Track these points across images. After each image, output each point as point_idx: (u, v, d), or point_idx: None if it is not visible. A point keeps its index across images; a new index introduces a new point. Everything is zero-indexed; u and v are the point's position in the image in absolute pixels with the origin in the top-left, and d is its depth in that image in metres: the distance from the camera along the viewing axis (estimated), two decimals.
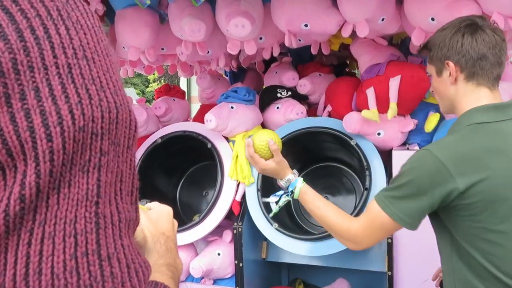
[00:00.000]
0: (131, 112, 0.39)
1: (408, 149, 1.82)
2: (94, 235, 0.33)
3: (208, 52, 1.98)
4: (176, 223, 0.68)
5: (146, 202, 0.77)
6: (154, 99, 2.73)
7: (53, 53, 0.34)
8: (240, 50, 1.84)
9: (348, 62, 2.93)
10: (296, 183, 1.27)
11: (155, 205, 0.68)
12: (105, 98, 0.36)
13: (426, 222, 1.66)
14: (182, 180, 2.33)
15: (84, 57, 0.36)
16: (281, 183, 1.30)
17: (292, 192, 1.27)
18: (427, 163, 1.00)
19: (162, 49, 2.09)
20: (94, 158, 0.35)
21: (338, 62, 2.72)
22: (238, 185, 1.95)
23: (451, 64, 1.04)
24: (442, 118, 1.76)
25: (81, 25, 0.37)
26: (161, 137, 2.12)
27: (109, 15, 2.08)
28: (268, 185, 1.97)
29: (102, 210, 0.34)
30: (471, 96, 1.04)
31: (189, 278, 2.01)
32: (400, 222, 1.04)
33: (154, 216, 0.64)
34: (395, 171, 1.70)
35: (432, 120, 1.74)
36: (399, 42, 2.21)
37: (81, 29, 0.37)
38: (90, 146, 0.34)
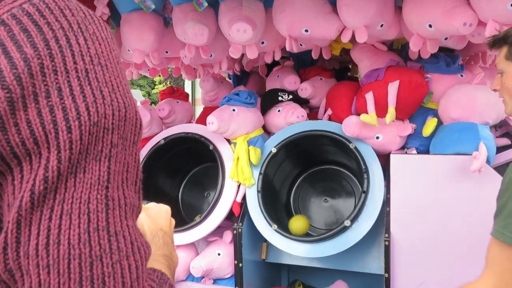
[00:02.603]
0: (137, 112, 0.45)
1: (406, 153, 1.84)
2: (104, 214, 0.39)
3: (211, 56, 2.02)
4: (173, 220, 0.74)
5: (146, 202, 0.82)
6: (159, 101, 2.77)
7: (73, 60, 0.40)
8: (242, 54, 1.88)
9: (350, 66, 2.95)
10: None
11: (154, 205, 0.74)
12: (115, 99, 0.42)
13: (422, 224, 1.69)
14: (185, 181, 2.37)
15: (99, 64, 0.42)
16: None
17: None
18: None
19: (166, 52, 2.13)
20: (106, 149, 0.40)
21: (340, 67, 2.74)
22: (238, 186, 1.98)
23: None
24: (440, 123, 1.78)
25: (97, 36, 0.43)
26: (164, 138, 2.16)
27: (114, 19, 2.12)
28: (268, 187, 2.00)
29: (111, 194, 0.40)
30: None
31: (190, 277, 2.04)
32: None
33: (153, 213, 0.71)
34: (393, 175, 1.74)
35: (430, 125, 1.76)
36: (399, 48, 2.23)
37: (97, 40, 0.43)
38: (102, 139, 0.40)
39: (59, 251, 0.36)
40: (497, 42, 1.06)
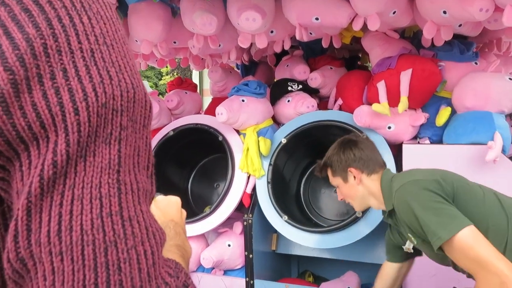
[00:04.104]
0: (146, 94, 0.43)
1: (419, 142, 1.81)
2: (117, 199, 0.37)
3: (219, 46, 1.99)
4: (184, 212, 0.73)
5: (158, 195, 0.81)
6: (167, 91, 2.76)
7: (78, 39, 0.38)
8: (251, 43, 1.85)
9: (360, 55, 2.91)
10: None
11: (162, 197, 0.73)
12: (123, 80, 0.40)
13: None
14: (194, 172, 2.36)
15: (105, 43, 0.40)
16: None
17: None
18: None
19: (174, 42, 2.11)
20: (115, 132, 0.39)
21: (349, 55, 2.70)
22: (248, 177, 1.97)
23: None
24: (453, 112, 1.75)
25: (101, 15, 0.41)
26: (173, 130, 2.15)
27: (122, 9, 2.10)
28: (278, 178, 1.99)
29: (123, 178, 0.38)
30: None
31: (200, 268, 2.04)
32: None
33: (163, 205, 0.69)
34: (406, 165, 1.71)
35: (444, 114, 1.73)
36: (411, 35, 2.19)
37: (101, 19, 0.41)
38: (111, 121, 0.38)
39: (71, 237, 0.35)
40: (322, 168, 1.45)
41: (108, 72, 0.39)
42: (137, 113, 0.41)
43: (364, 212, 1.72)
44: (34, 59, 0.36)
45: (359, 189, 1.36)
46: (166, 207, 0.68)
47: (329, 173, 1.43)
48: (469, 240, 1.03)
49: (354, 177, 1.35)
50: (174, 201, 0.71)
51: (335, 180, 1.42)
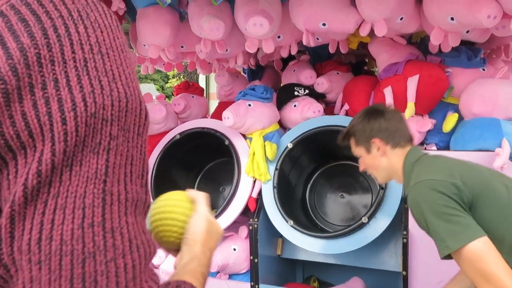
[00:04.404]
0: (142, 102, 0.43)
1: (425, 148, 1.81)
2: (100, 209, 0.37)
3: (226, 50, 2.01)
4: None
5: (215, 211, 0.77)
6: (173, 94, 2.77)
7: (72, 49, 0.38)
8: (258, 48, 1.86)
9: (366, 60, 2.91)
10: None
11: (215, 222, 0.67)
12: (116, 89, 0.40)
13: None
14: (200, 176, 2.37)
15: (99, 52, 0.40)
16: None
17: None
18: None
19: (182, 46, 2.12)
20: (104, 141, 0.38)
21: (356, 60, 2.70)
22: (254, 182, 1.97)
23: None
24: (461, 118, 1.74)
25: (99, 24, 0.41)
26: (180, 133, 2.16)
27: (130, 14, 2.12)
28: (284, 182, 1.99)
29: (109, 188, 0.38)
30: None
31: None
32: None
33: (213, 229, 0.64)
34: None
35: (451, 120, 1.72)
36: (418, 41, 2.19)
37: (99, 28, 0.41)
38: (100, 131, 0.38)
39: (51, 246, 0.35)
40: (345, 136, 1.36)
41: (100, 82, 0.39)
42: (130, 122, 0.41)
43: (370, 218, 1.72)
44: (26, 69, 0.36)
45: (382, 160, 1.27)
46: (211, 233, 0.63)
47: (352, 142, 1.34)
48: (479, 252, 1.00)
49: (378, 148, 1.26)
50: (220, 232, 0.67)
51: (357, 150, 1.33)
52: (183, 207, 0.64)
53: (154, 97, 2.34)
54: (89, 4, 0.42)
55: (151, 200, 0.46)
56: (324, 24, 1.66)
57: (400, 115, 1.34)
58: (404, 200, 1.71)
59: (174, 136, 2.17)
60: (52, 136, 0.36)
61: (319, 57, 2.46)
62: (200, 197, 0.67)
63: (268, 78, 2.63)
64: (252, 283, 1.92)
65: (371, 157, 1.29)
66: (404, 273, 1.70)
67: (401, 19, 1.63)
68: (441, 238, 1.04)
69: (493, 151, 1.52)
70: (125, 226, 0.38)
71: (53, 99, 0.37)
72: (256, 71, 2.73)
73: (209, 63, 2.60)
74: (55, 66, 0.37)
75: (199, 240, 0.60)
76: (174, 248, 0.63)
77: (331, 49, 1.99)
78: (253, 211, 1.95)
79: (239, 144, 2.04)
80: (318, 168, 2.17)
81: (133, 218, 0.39)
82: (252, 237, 1.90)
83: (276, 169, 1.95)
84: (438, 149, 1.79)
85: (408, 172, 1.22)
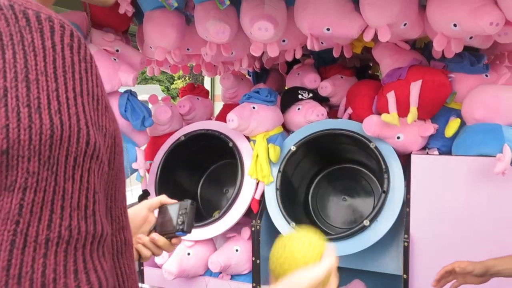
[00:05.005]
0: (82, 129, 0.39)
1: (427, 153, 1.82)
2: (7, 253, 0.34)
3: (232, 54, 2.03)
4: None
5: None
6: (178, 95, 2.80)
7: None
8: (263, 51, 1.88)
9: (371, 64, 2.92)
10: None
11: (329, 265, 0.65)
12: (38, 120, 0.36)
13: (442, 226, 1.67)
14: (204, 177, 2.39)
15: (25, 79, 0.36)
16: None
17: None
18: None
19: (188, 49, 2.15)
20: (20, 179, 0.35)
21: (360, 65, 2.72)
22: (257, 183, 1.99)
23: None
24: (463, 124, 1.75)
25: (35, 46, 0.37)
26: (184, 135, 2.19)
27: (138, 16, 2.15)
28: (287, 185, 2.01)
29: (22, 229, 0.35)
30: None
31: (207, 272, 2.06)
32: None
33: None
34: (414, 175, 1.72)
35: (453, 125, 1.73)
36: (422, 46, 2.20)
37: (32, 51, 0.37)
38: (17, 167, 0.35)
39: None
40: None
41: (18, 114, 0.35)
42: (58, 154, 0.37)
43: (372, 221, 1.73)
44: None
45: None
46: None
47: None
48: None
49: None
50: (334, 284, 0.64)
51: None
52: (311, 259, 0.66)
53: (159, 99, 2.37)
54: (30, 24, 0.38)
55: (109, 229, 0.42)
56: (328, 29, 1.68)
57: None
58: (406, 203, 1.73)
59: (179, 138, 2.19)
60: None
61: (324, 61, 2.48)
62: (330, 251, 0.67)
63: (272, 81, 2.65)
64: (254, 284, 1.94)
65: None
66: (405, 276, 1.72)
67: (405, 25, 1.65)
68: None
69: (495, 156, 1.53)
70: (39, 270, 0.35)
71: None
72: (261, 74, 2.75)
73: (214, 65, 2.63)
74: None
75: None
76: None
77: (335, 54, 2.01)
78: (256, 212, 1.97)
79: (243, 146, 2.06)
80: (320, 171, 2.19)
81: (55, 259, 0.36)
82: (255, 239, 1.92)
83: (279, 171, 1.97)
84: (440, 153, 1.81)
85: None
